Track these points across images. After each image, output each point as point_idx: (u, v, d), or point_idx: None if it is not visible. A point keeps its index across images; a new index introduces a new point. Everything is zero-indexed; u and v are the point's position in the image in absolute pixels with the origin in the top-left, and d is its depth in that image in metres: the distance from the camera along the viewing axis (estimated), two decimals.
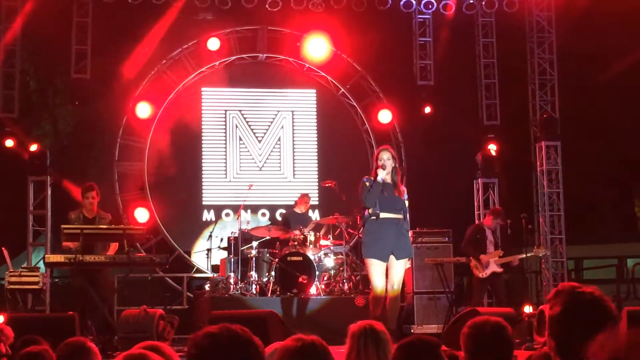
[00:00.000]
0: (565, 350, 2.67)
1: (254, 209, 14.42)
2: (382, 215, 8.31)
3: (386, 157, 8.39)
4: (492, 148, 14.10)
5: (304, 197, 12.55)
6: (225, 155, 14.69)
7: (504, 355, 3.31)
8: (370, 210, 8.38)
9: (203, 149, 14.63)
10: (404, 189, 8.56)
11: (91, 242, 9.26)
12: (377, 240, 8.34)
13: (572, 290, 2.72)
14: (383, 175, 8.28)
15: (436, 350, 3.37)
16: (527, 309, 10.74)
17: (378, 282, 8.35)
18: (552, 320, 2.71)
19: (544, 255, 11.69)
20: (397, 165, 8.49)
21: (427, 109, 14.46)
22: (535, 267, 14.50)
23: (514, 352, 3.49)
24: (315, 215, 14.00)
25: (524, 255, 11.50)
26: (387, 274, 8.44)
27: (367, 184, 8.36)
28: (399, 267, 8.43)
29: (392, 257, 8.35)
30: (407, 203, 8.49)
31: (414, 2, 13.98)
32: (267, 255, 11.54)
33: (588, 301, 2.68)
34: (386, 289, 8.39)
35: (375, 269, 8.35)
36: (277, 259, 11.05)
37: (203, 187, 14.58)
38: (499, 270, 11.06)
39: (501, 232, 11.75)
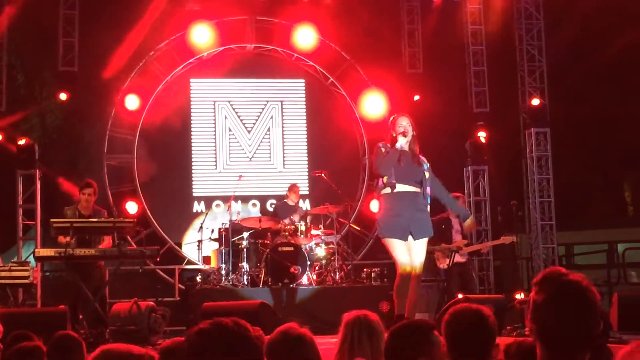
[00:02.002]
0: (546, 336, 2.67)
1: (245, 199, 14.40)
2: (398, 187, 7.51)
3: (405, 123, 7.65)
4: (482, 135, 14.11)
5: (294, 187, 12.51)
6: (215, 146, 14.66)
7: (483, 343, 3.32)
8: (384, 179, 7.56)
9: (192, 140, 14.60)
10: (423, 160, 7.75)
11: (82, 235, 9.24)
12: (393, 218, 7.54)
13: (559, 278, 2.71)
14: (403, 142, 7.54)
15: (429, 333, 3.37)
16: (519, 295, 10.76)
17: (402, 259, 7.50)
18: (535, 306, 2.71)
19: (511, 243, 11.28)
20: (415, 133, 7.70)
21: (416, 97, 14.45)
22: (526, 253, 14.55)
23: (502, 339, 3.49)
24: (306, 205, 14.00)
25: (492, 244, 11.46)
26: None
27: (383, 150, 7.62)
28: (419, 248, 7.60)
29: (409, 237, 7.55)
30: (427, 174, 7.64)
31: None
32: (259, 246, 11.51)
33: (573, 292, 2.67)
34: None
35: (397, 246, 7.50)
36: (268, 250, 11.04)
37: (193, 179, 14.55)
38: (462, 260, 10.86)
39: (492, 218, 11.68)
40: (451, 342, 3.31)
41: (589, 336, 2.66)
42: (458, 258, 10.82)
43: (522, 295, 10.64)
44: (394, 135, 7.59)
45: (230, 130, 14.74)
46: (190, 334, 2.35)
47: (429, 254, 11.13)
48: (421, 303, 11.55)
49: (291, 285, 10.75)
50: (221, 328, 2.32)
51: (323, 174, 12.21)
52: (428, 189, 7.63)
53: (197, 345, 2.33)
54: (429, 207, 7.72)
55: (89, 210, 9.70)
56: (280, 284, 10.75)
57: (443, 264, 10.82)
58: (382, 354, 3.68)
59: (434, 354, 3.32)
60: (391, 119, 7.89)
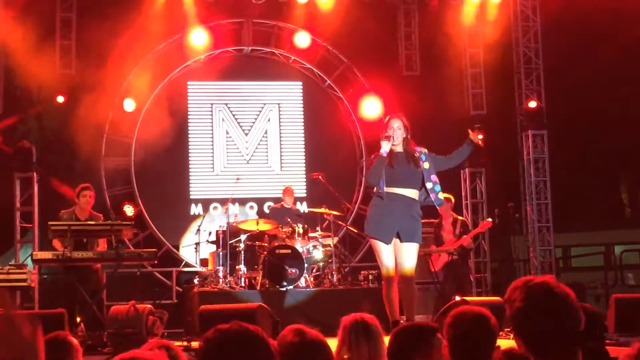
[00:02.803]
0: (534, 343, 2.69)
1: (242, 202, 14.41)
2: (393, 190, 7.33)
3: (396, 126, 7.43)
4: (479, 137, 14.09)
5: (288, 190, 12.51)
6: (212, 148, 14.66)
7: (484, 345, 3.34)
8: (375, 189, 7.43)
9: (190, 143, 14.60)
10: (419, 151, 7.54)
11: (79, 238, 9.23)
12: (381, 216, 7.36)
13: (526, 284, 2.75)
14: (387, 147, 7.31)
15: (431, 336, 3.39)
16: None
17: (385, 261, 7.37)
18: (513, 318, 2.74)
19: (490, 228, 11.20)
20: (408, 135, 7.51)
21: (413, 99, 14.44)
22: (523, 255, 14.56)
23: (500, 341, 3.51)
24: (303, 208, 14.01)
25: (473, 234, 11.51)
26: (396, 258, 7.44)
27: (374, 159, 7.48)
28: (408, 250, 7.36)
29: (397, 240, 7.37)
30: (427, 165, 7.46)
31: None
32: (256, 248, 11.51)
33: (544, 292, 2.70)
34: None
35: (381, 248, 7.36)
36: (265, 252, 11.03)
37: (190, 181, 14.55)
38: (453, 258, 10.93)
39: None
40: (453, 343, 3.33)
41: (568, 331, 2.67)
42: (445, 259, 10.89)
43: None
44: (382, 138, 7.44)
45: (227, 132, 14.74)
46: (208, 332, 2.37)
47: (423, 256, 11.17)
48: (418, 305, 11.57)
49: (289, 288, 10.75)
50: (240, 328, 2.35)
51: (320, 177, 12.20)
52: (431, 184, 7.47)
53: (214, 341, 2.34)
54: (421, 216, 7.58)
55: (85, 213, 9.70)
56: (277, 286, 10.74)
57: (433, 267, 10.87)
58: (380, 357, 3.69)
59: (436, 356, 3.34)
60: (385, 120, 7.76)
